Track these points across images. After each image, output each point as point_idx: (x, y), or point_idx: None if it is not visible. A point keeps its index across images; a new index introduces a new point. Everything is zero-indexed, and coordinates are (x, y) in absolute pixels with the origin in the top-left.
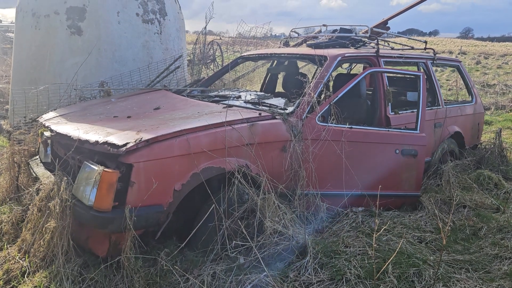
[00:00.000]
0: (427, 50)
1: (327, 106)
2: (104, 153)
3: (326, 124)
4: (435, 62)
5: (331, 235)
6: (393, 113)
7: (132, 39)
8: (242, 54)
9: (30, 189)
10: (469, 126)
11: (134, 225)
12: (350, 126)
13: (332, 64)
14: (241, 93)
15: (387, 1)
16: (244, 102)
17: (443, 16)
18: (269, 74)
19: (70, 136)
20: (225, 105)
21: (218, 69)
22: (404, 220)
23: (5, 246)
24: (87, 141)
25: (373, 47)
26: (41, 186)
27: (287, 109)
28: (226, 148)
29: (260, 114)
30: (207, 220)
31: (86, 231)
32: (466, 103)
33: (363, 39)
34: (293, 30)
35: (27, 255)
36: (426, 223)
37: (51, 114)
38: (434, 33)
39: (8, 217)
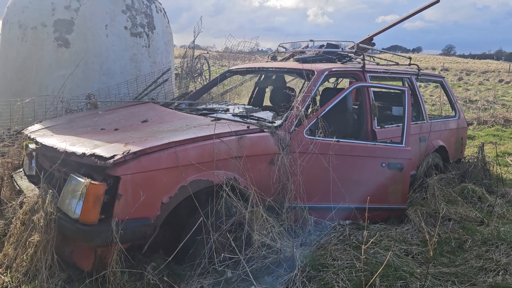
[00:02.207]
0: (411, 66)
1: (314, 120)
2: (91, 166)
3: (314, 138)
4: (419, 77)
5: (318, 248)
6: (379, 127)
7: (120, 52)
8: (230, 68)
9: (13, 203)
10: (453, 140)
11: (120, 238)
12: (337, 140)
13: (319, 78)
14: (229, 107)
15: (372, 18)
16: (232, 115)
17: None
18: (257, 88)
19: (56, 148)
20: (213, 118)
21: (205, 83)
22: (390, 233)
23: None
24: (73, 153)
25: (359, 62)
26: (25, 199)
27: (275, 123)
28: (215, 161)
29: (248, 127)
30: (194, 234)
31: (71, 245)
32: (449, 118)
33: (349, 54)
34: (280, 45)
35: (9, 270)
36: (413, 236)
37: (36, 126)
38: (418, 49)
39: None
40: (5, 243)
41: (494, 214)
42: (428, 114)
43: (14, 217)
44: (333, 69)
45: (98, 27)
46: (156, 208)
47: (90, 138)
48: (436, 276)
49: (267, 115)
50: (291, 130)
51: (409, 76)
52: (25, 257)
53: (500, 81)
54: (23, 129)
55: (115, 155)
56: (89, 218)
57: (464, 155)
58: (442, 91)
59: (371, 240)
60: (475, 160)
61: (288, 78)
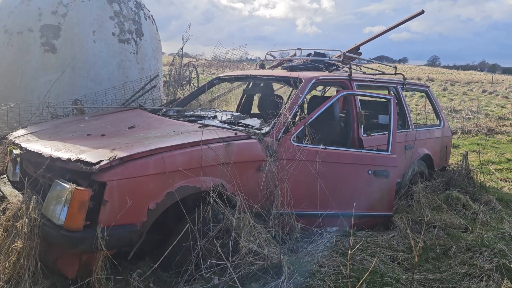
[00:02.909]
0: (397, 76)
1: (302, 127)
2: (76, 171)
3: (301, 145)
4: (404, 86)
5: (306, 255)
6: (365, 135)
7: (108, 58)
8: (219, 75)
9: None
10: (437, 148)
11: (106, 245)
12: (324, 147)
13: (306, 86)
14: (217, 113)
15: (359, 28)
16: (220, 122)
17: (412, 45)
18: (245, 95)
19: (41, 153)
20: (201, 125)
21: (193, 90)
22: (377, 240)
23: None
24: (58, 159)
25: (346, 71)
26: (8, 205)
27: (262, 129)
28: (202, 167)
29: (236, 133)
30: (181, 240)
31: (55, 252)
32: (434, 127)
33: (336, 63)
34: (268, 53)
35: None
36: (398, 242)
37: (21, 131)
38: (403, 60)
39: None
40: None
41: (478, 221)
42: (414, 123)
43: None
44: (320, 77)
45: (85, 33)
46: (142, 215)
47: (76, 144)
48: (421, 282)
49: (255, 122)
50: (279, 137)
51: (395, 85)
52: (7, 264)
53: (484, 91)
54: (7, 134)
55: (101, 161)
56: (74, 224)
57: (448, 163)
58: (427, 101)
59: (357, 246)
60: (459, 168)
61: (276, 86)
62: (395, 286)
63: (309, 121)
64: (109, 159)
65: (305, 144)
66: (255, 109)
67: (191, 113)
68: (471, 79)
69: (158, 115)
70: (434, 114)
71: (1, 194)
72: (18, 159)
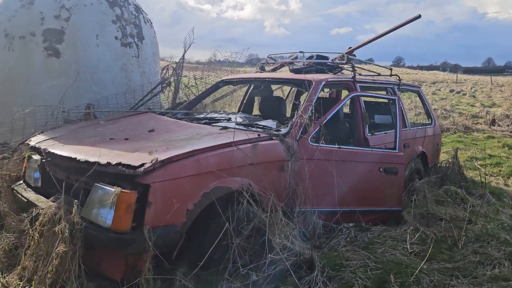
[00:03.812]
0: (392, 77)
1: (318, 127)
2: (116, 175)
3: (318, 145)
4: (400, 87)
5: (329, 250)
6: (370, 134)
7: (111, 62)
8: (223, 78)
9: (23, 215)
10: (430, 146)
11: (153, 245)
12: (339, 146)
13: (318, 88)
14: (229, 116)
15: (327, 30)
16: (235, 124)
17: (378, 46)
18: (246, 97)
19: (75, 158)
20: (220, 127)
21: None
22: (391, 234)
23: (2, 275)
24: (96, 163)
25: (342, 73)
26: (40, 211)
27: (281, 130)
28: (234, 167)
29: (259, 135)
30: (214, 239)
31: (97, 255)
32: (427, 125)
33: (340, 65)
34: (269, 56)
35: (33, 282)
36: (411, 235)
37: (40, 137)
38: (370, 60)
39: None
40: (22, 256)
41: (480, 214)
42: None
43: (31, 229)
44: (329, 80)
45: (88, 37)
46: (182, 215)
47: (106, 148)
48: (441, 271)
49: (271, 123)
50: (298, 138)
51: (392, 86)
52: (50, 268)
53: (451, 91)
54: (26, 140)
55: (143, 164)
56: (121, 226)
57: (439, 160)
58: (418, 100)
59: (376, 240)
60: (451, 164)
61: (273, 87)
62: (419, 276)
63: (324, 122)
64: (151, 162)
65: (322, 144)
66: (255, 111)
67: (203, 115)
68: (435, 79)
69: (170, 117)
70: (425, 113)
71: (26, 200)
72: (39, 164)
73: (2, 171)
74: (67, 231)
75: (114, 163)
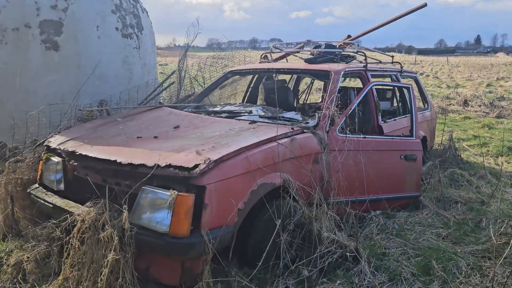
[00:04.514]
0: (394, 64)
1: (344, 118)
2: (165, 177)
3: (345, 135)
4: (402, 74)
5: (365, 239)
6: (382, 121)
7: (112, 55)
8: (232, 69)
9: (51, 222)
10: (428, 130)
11: (211, 248)
12: (363, 136)
13: (338, 78)
14: (249, 108)
15: (286, 14)
16: (259, 117)
17: (336, 29)
18: (250, 88)
19: (114, 161)
20: (250, 121)
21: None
22: (416, 219)
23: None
24: (142, 165)
25: (361, 62)
26: (77, 217)
27: (309, 123)
28: (277, 163)
29: (292, 128)
30: (265, 236)
31: (146, 260)
32: (425, 110)
33: (351, 54)
34: (274, 45)
35: None
36: (433, 220)
37: (59, 137)
38: None
39: (30, 254)
40: (61, 265)
41: (494, 196)
42: None
43: (69, 237)
44: (346, 69)
45: (89, 28)
46: (234, 215)
47: (141, 148)
48: (473, 253)
49: (296, 116)
50: (327, 130)
51: (396, 73)
52: (101, 277)
53: None
54: (44, 141)
55: (198, 165)
56: (180, 230)
57: (433, 143)
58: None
59: (407, 227)
60: (448, 147)
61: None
62: (457, 260)
63: (350, 112)
64: (205, 163)
65: (348, 134)
66: (259, 101)
67: (218, 108)
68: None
69: (189, 112)
70: (421, 98)
71: (51, 205)
72: (60, 167)
73: (15, 175)
74: (116, 237)
75: (164, 165)
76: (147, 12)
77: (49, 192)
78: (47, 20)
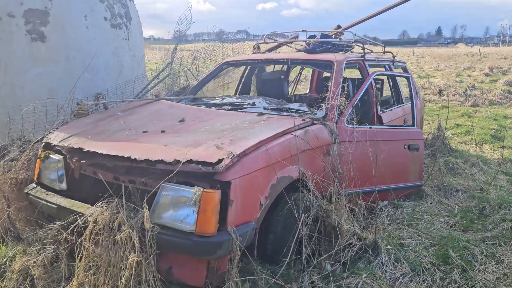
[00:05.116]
0: (386, 54)
1: (351, 109)
2: (187, 173)
3: (353, 126)
4: (394, 63)
5: (378, 229)
6: (381, 111)
7: (102, 46)
8: (226, 60)
9: (57, 224)
10: (419, 119)
11: (238, 246)
12: (369, 126)
13: (341, 68)
14: (250, 100)
15: (252, 5)
16: (264, 109)
17: (302, 21)
18: (243, 79)
19: (128, 157)
20: (257, 113)
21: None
22: (422, 208)
23: None
24: (160, 161)
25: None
26: (88, 218)
27: (316, 114)
28: (293, 155)
29: (304, 120)
30: (286, 231)
31: (167, 261)
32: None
33: (348, 44)
34: (267, 35)
35: None
36: (439, 209)
37: (58, 134)
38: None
39: (37, 259)
40: (75, 269)
41: (482, 182)
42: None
43: (80, 239)
44: (348, 59)
45: (76, 18)
46: (256, 211)
47: (150, 143)
48: (483, 240)
49: (302, 107)
50: (336, 121)
51: (389, 63)
52: (121, 281)
53: None
54: (42, 138)
55: (221, 159)
56: (208, 229)
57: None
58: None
59: (416, 216)
60: (437, 136)
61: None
62: (472, 248)
63: (356, 102)
64: (229, 157)
65: (355, 125)
66: (252, 93)
67: (218, 101)
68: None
69: (190, 105)
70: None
71: (54, 205)
72: (61, 165)
73: (10, 174)
74: (135, 238)
75: (185, 160)
76: (133, 0)
77: (49, 192)
78: (32, 9)
